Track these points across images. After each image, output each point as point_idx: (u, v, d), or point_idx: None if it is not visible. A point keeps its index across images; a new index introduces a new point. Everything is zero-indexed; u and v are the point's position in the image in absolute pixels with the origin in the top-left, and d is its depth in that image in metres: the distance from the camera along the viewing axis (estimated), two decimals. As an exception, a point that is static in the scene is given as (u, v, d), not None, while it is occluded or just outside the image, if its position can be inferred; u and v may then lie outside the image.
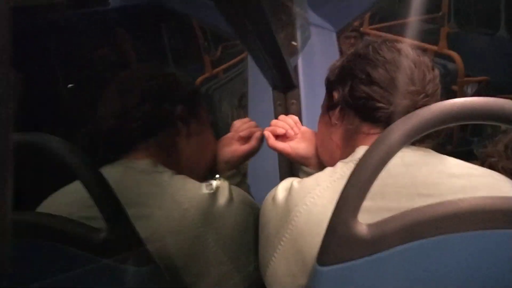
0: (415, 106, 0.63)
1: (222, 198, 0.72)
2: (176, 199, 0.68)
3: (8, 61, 0.20)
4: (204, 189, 0.71)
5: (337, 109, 0.73)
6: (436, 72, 0.69)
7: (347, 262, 0.49)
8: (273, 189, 0.70)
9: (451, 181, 0.58)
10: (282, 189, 0.68)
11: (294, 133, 0.91)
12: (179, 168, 0.77)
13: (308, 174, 0.73)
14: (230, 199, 0.73)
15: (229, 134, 0.94)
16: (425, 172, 0.60)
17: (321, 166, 0.83)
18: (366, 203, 0.56)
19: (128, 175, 0.72)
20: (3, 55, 0.20)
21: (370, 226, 0.48)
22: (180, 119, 0.80)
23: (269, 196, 0.70)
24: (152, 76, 0.80)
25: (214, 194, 0.71)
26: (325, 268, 0.50)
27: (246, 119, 0.98)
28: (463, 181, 0.58)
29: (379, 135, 0.48)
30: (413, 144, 0.66)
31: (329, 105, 0.75)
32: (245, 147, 0.91)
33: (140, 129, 0.74)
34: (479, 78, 3.02)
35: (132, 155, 0.76)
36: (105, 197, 0.54)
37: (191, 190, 0.70)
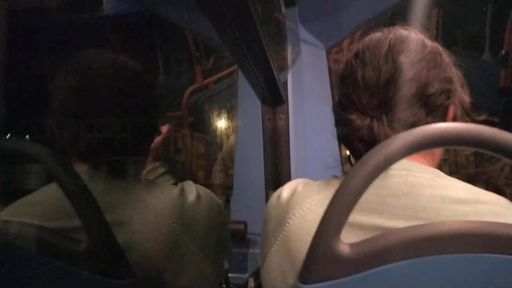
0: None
1: (191, 196, 0.73)
2: (149, 202, 0.69)
3: (3, 65, 0.20)
4: (172, 189, 0.73)
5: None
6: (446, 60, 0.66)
7: (328, 281, 0.49)
8: (280, 187, 0.71)
9: (453, 207, 0.56)
10: (288, 188, 0.69)
11: None
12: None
13: None
14: (198, 196, 0.75)
15: None
16: (428, 195, 0.57)
17: None
18: (361, 218, 0.56)
19: (94, 183, 0.69)
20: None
21: (352, 245, 0.49)
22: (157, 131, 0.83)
23: (275, 194, 0.71)
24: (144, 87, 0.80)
25: (183, 193, 0.73)
26: (306, 286, 0.50)
27: None
28: (467, 207, 0.56)
29: (362, 157, 0.49)
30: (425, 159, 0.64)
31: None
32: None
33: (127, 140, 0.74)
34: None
35: (90, 163, 0.72)
36: (88, 207, 0.54)
37: (161, 192, 0.71)
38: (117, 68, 0.77)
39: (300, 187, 0.67)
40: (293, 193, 0.66)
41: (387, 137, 0.62)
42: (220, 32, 0.81)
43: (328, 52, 1.60)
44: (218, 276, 0.77)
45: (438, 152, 0.68)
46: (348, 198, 0.48)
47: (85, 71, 0.74)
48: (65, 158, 0.65)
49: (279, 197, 0.68)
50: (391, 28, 0.68)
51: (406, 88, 0.62)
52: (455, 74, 0.67)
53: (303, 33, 1.53)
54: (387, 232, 0.49)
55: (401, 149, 0.47)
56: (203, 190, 0.79)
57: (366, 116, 0.64)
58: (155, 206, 0.68)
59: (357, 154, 0.67)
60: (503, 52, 2.65)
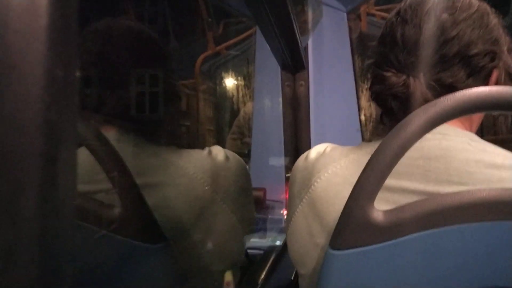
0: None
1: (220, 157, 0.74)
2: (180, 165, 0.69)
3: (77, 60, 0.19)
4: (201, 152, 0.73)
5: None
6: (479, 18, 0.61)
7: (360, 247, 0.49)
8: (308, 150, 0.71)
9: (488, 171, 0.53)
10: (315, 151, 0.69)
11: None
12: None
13: None
14: (227, 158, 0.76)
15: None
16: (462, 159, 0.55)
17: None
18: (390, 181, 0.53)
19: (122, 147, 0.69)
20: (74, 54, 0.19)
21: (386, 212, 0.48)
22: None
23: (302, 156, 0.71)
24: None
25: (211, 155, 0.74)
26: (338, 252, 0.50)
27: None
28: (503, 172, 0.53)
29: (401, 122, 0.48)
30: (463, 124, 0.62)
31: None
32: None
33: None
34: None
35: (117, 128, 0.71)
36: (118, 170, 0.54)
37: (190, 156, 0.72)
38: (135, 33, 0.76)
39: (328, 150, 0.66)
40: (320, 155, 0.66)
41: (423, 95, 0.61)
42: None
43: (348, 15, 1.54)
44: (245, 234, 0.79)
45: (477, 117, 0.66)
46: (383, 165, 0.47)
47: (105, 37, 0.73)
48: (92, 121, 0.65)
49: (306, 159, 0.68)
50: None
51: (447, 47, 0.59)
52: (503, 36, 0.64)
53: (324, -6, 1.47)
54: (422, 199, 0.49)
55: (442, 114, 0.46)
56: (230, 153, 0.80)
57: (402, 73, 0.62)
58: (187, 169, 0.69)
59: (390, 113, 0.66)
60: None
